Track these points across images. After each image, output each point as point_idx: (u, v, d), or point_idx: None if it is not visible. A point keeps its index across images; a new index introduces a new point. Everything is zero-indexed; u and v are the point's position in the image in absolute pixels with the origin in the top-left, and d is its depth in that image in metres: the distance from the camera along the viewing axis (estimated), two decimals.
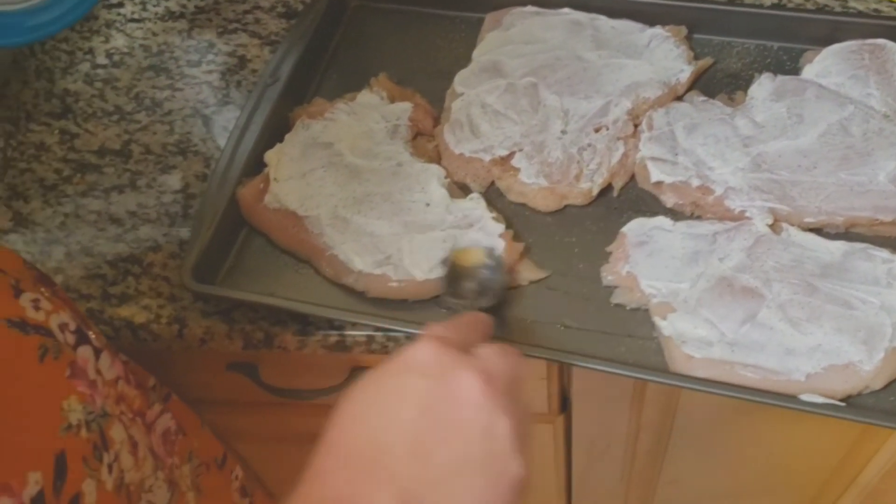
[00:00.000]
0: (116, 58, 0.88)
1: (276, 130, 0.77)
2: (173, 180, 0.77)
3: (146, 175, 0.78)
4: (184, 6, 0.92)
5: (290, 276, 0.70)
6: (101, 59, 0.88)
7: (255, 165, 0.74)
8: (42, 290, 0.50)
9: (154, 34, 0.89)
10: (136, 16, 0.91)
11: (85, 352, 0.52)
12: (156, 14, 0.91)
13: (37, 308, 0.49)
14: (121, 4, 0.93)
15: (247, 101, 0.78)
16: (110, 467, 0.50)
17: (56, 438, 0.46)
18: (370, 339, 0.67)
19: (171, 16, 0.91)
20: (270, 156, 0.74)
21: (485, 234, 0.67)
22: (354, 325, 0.67)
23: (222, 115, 0.82)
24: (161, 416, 0.61)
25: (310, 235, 0.70)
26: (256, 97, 0.77)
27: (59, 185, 0.78)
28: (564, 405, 0.86)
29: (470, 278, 0.63)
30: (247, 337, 0.68)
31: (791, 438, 0.86)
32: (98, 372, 0.52)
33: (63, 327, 0.50)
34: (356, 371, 0.77)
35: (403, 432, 0.42)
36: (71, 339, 0.51)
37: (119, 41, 0.89)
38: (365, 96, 0.78)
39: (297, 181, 0.72)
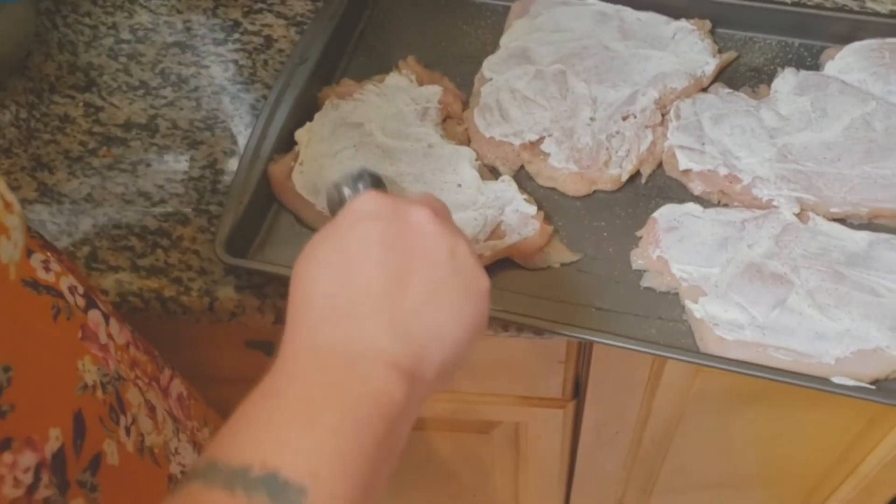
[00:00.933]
0: (141, 33, 0.87)
1: (305, 110, 0.77)
2: (201, 155, 0.77)
3: (174, 150, 0.78)
4: None
5: None
6: (125, 35, 0.87)
7: (286, 143, 0.75)
8: (49, 254, 0.50)
9: (178, 11, 0.89)
10: None
11: (95, 315, 0.52)
12: None
13: (47, 269, 0.49)
14: None
15: (276, 81, 0.78)
16: (128, 430, 0.50)
17: (74, 397, 0.47)
18: None
19: None
20: (301, 134, 0.75)
21: (519, 215, 0.68)
22: None
23: (249, 93, 0.82)
24: (172, 380, 0.62)
25: None
26: (286, 76, 0.78)
27: (85, 157, 0.78)
28: (576, 391, 0.87)
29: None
30: (279, 312, 0.68)
31: (797, 428, 0.88)
32: (110, 336, 0.53)
33: (73, 290, 0.50)
34: None
35: (375, 271, 0.43)
36: (81, 302, 0.51)
37: (143, 17, 0.89)
38: (394, 78, 0.78)
39: (327, 159, 0.73)
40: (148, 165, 0.77)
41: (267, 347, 0.78)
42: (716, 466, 0.99)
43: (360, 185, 0.54)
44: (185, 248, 0.71)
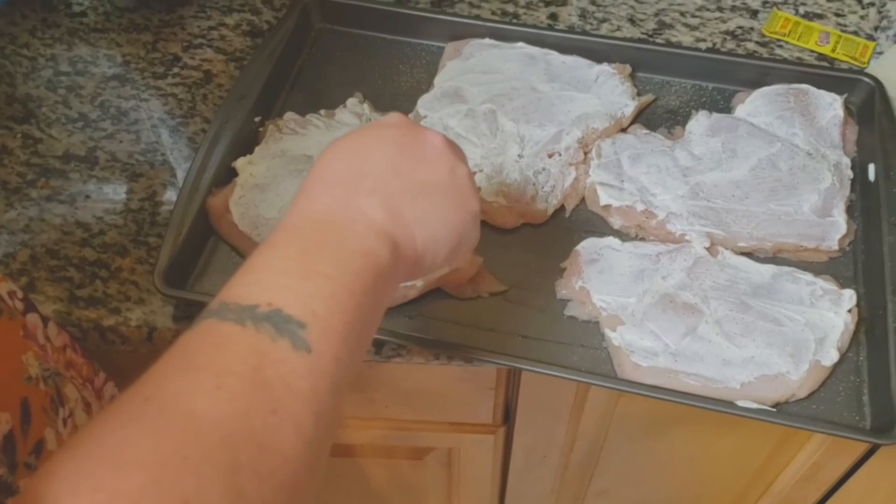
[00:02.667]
0: (80, 66, 0.89)
1: (244, 143, 0.79)
2: (140, 188, 0.79)
3: (113, 182, 0.79)
4: (148, 19, 0.94)
5: None
6: (65, 67, 0.89)
7: (224, 176, 0.77)
8: None
9: (118, 45, 0.91)
10: (99, 26, 0.93)
11: (34, 318, 0.56)
12: (120, 25, 0.93)
13: None
14: (84, 14, 0.94)
15: (216, 115, 0.80)
16: (65, 421, 0.53)
17: (21, 386, 0.50)
18: None
19: (135, 27, 0.93)
20: (241, 164, 0.77)
21: None
22: None
23: (188, 127, 0.84)
24: (106, 384, 0.64)
25: None
26: (226, 111, 0.80)
27: (23, 189, 0.78)
28: (506, 417, 0.90)
29: None
30: None
31: (713, 451, 0.93)
32: (47, 338, 0.56)
33: (11, 295, 0.54)
34: None
35: (383, 160, 0.50)
36: (20, 306, 0.54)
37: (82, 50, 0.90)
38: (342, 113, 0.81)
39: (266, 192, 0.75)
40: (87, 197, 0.78)
41: None
42: (639, 488, 1.03)
43: None
44: (123, 279, 0.73)
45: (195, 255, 0.73)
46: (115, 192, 0.79)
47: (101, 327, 0.70)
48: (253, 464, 0.37)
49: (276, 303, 0.42)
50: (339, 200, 0.48)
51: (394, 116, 0.54)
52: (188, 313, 0.71)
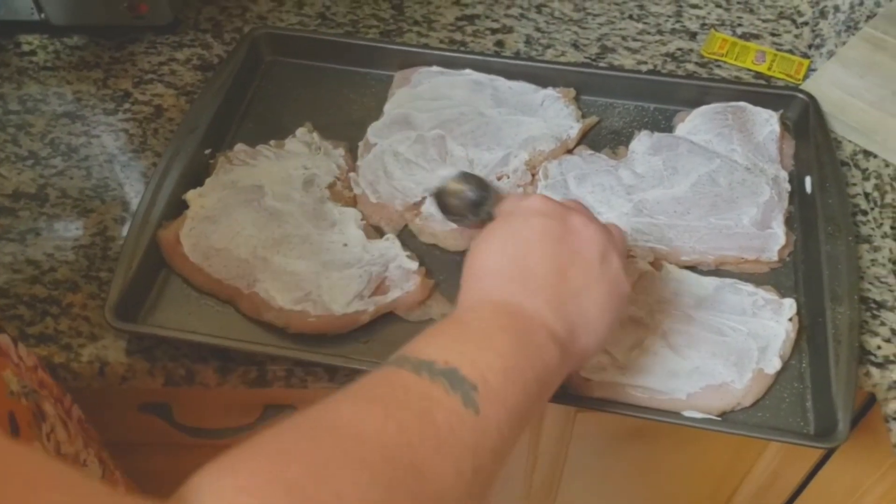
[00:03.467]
0: (30, 104, 0.89)
1: (195, 176, 0.80)
2: (91, 223, 0.79)
3: (63, 218, 0.79)
4: (98, 56, 0.94)
5: (210, 314, 0.73)
6: (14, 105, 0.89)
7: (175, 209, 0.77)
8: None
9: (68, 82, 0.91)
10: (49, 64, 0.93)
11: (4, 339, 0.56)
12: (70, 63, 0.93)
13: None
14: (33, 53, 0.94)
15: (167, 148, 0.81)
16: (48, 436, 0.53)
17: (7, 399, 0.51)
18: (290, 373, 0.71)
19: (85, 65, 0.93)
20: (191, 197, 0.78)
21: (402, 271, 0.73)
22: (275, 360, 0.71)
23: (140, 161, 0.84)
24: (73, 405, 0.64)
25: (228, 276, 0.73)
26: (176, 144, 0.81)
27: None
28: None
29: (455, 197, 0.66)
30: (168, 374, 0.70)
31: (672, 464, 0.94)
32: (20, 357, 0.56)
33: None
34: (269, 409, 0.80)
35: (542, 258, 0.53)
36: None
37: (32, 88, 0.91)
38: (292, 143, 0.82)
39: (216, 223, 0.76)
40: (37, 234, 0.78)
41: (161, 410, 0.80)
42: (603, 502, 1.04)
43: (471, 182, 0.65)
44: (75, 315, 0.73)
45: (147, 288, 0.73)
46: (66, 228, 0.79)
47: (52, 364, 0.70)
48: (410, 486, 0.39)
49: (452, 362, 0.45)
50: (513, 296, 0.52)
51: (536, 200, 0.57)
52: (141, 347, 0.71)
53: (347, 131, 0.86)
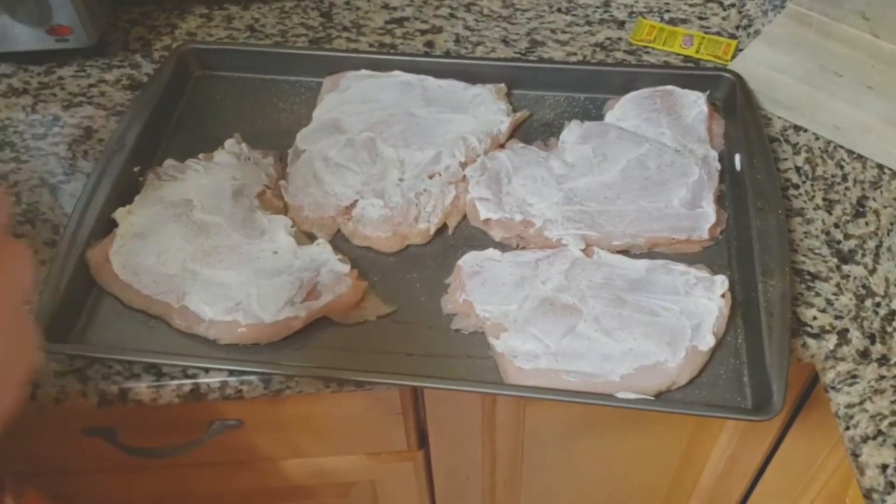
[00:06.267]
0: None
1: (124, 193, 0.79)
2: None
3: None
4: (27, 83, 0.93)
5: (142, 331, 0.72)
6: None
7: (105, 227, 0.77)
8: None
9: None
10: None
11: None
12: None
13: None
14: None
15: (94, 167, 0.80)
16: None
17: None
18: (224, 384, 0.70)
19: (13, 92, 0.92)
20: (120, 214, 0.77)
21: (334, 274, 0.72)
22: (208, 372, 0.70)
23: (70, 184, 0.83)
24: None
25: (158, 292, 0.72)
26: (104, 162, 0.80)
27: None
28: (422, 441, 0.90)
29: None
30: (101, 393, 0.69)
31: (630, 452, 0.94)
32: None
33: None
34: (215, 423, 0.79)
35: None
36: None
37: None
38: (221, 155, 0.82)
39: (145, 239, 0.75)
40: None
41: (106, 433, 0.78)
42: (569, 497, 1.04)
43: None
44: None
45: (77, 308, 0.73)
46: None
47: None
48: None
49: None
50: None
51: None
52: (72, 367, 0.70)
53: (278, 140, 0.86)
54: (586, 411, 0.81)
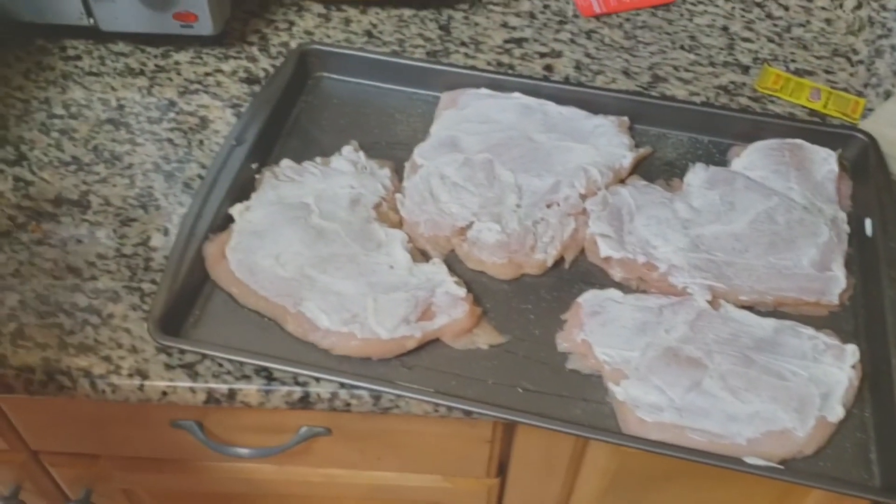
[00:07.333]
0: (74, 109, 0.88)
1: (241, 190, 0.79)
2: (134, 233, 0.78)
3: (105, 226, 0.78)
4: (143, 64, 0.93)
5: (254, 330, 0.71)
6: (58, 110, 0.88)
7: (221, 222, 0.76)
8: None
9: (113, 89, 0.90)
10: (94, 69, 0.92)
11: None
12: (115, 69, 0.92)
13: None
14: (78, 58, 0.93)
15: (213, 161, 0.79)
16: None
17: None
18: (334, 395, 0.69)
19: (130, 72, 0.92)
20: (236, 211, 0.76)
21: (449, 297, 0.71)
22: (319, 382, 0.69)
23: (184, 172, 0.83)
24: None
25: (274, 294, 0.71)
26: (223, 157, 0.79)
27: (13, 232, 0.77)
28: (500, 469, 0.88)
29: None
30: (210, 391, 0.68)
31: (713, 502, 0.91)
32: None
33: None
34: (304, 428, 0.78)
35: None
36: None
37: (77, 93, 0.89)
38: (338, 161, 0.81)
39: (262, 239, 0.74)
40: (79, 242, 0.76)
41: (193, 427, 0.78)
42: None
43: None
44: (115, 326, 0.71)
45: (190, 302, 0.72)
46: (108, 236, 0.77)
47: (93, 375, 0.68)
48: None
49: None
50: None
51: None
52: (182, 362, 0.69)
53: (392, 151, 0.85)
54: (681, 462, 0.79)
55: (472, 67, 0.94)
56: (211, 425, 0.78)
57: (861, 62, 0.97)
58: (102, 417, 0.78)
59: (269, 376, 0.69)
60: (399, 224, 0.79)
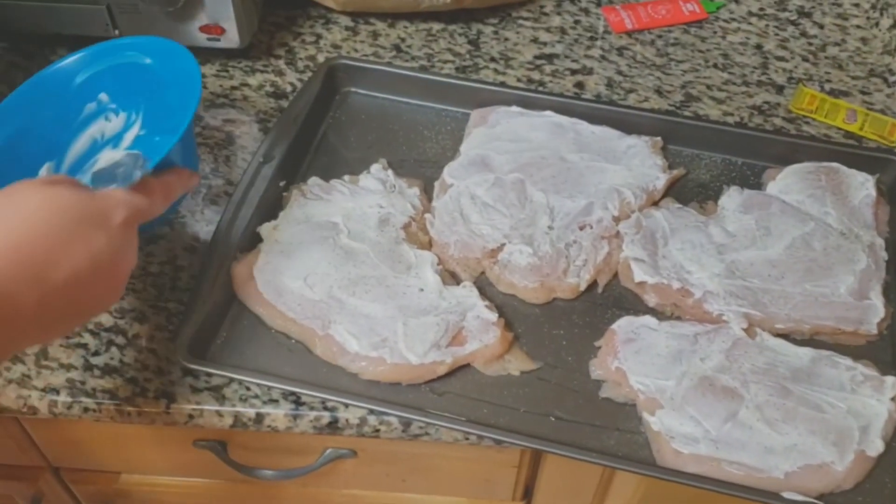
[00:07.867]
0: None
1: (269, 207, 0.78)
2: (160, 251, 0.77)
3: None
4: None
5: (282, 353, 0.70)
6: None
7: (249, 241, 0.75)
8: None
9: None
10: None
11: None
12: None
13: None
14: None
15: (241, 177, 0.78)
16: None
17: None
18: (363, 421, 0.68)
19: None
20: (264, 230, 0.75)
21: (481, 321, 0.70)
22: (347, 407, 0.68)
23: (210, 189, 0.82)
24: None
25: (303, 316, 0.70)
26: (251, 174, 0.79)
27: None
28: (525, 493, 0.87)
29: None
30: (237, 415, 0.67)
31: None
32: None
33: None
34: (328, 451, 0.77)
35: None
36: None
37: None
38: (367, 179, 0.80)
39: (290, 259, 0.73)
40: None
41: (216, 447, 0.77)
42: None
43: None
44: (141, 347, 0.70)
45: (218, 323, 0.71)
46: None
47: (118, 398, 0.67)
48: None
49: None
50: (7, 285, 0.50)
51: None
52: (209, 385, 0.68)
53: (421, 169, 0.84)
54: (713, 494, 0.78)
55: (503, 84, 0.93)
56: (234, 446, 0.77)
57: None
58: (125, 436, 0.77)
59: (297, 401, 0.68)
60: (428, 245, 0.78)
